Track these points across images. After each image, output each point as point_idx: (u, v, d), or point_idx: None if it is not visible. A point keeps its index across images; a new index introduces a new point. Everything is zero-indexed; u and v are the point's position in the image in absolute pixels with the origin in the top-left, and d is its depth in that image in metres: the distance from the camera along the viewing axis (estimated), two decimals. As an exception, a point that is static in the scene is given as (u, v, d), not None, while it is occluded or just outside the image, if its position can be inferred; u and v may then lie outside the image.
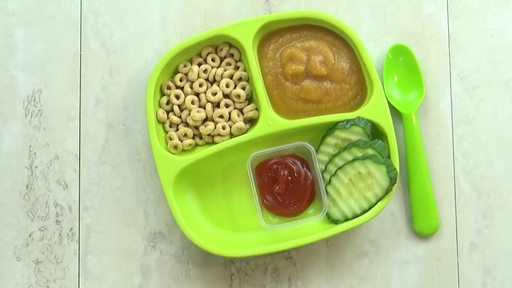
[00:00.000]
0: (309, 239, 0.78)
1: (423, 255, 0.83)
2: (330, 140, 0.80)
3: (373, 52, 0.84)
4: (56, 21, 0.85)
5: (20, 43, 0.85)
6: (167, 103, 0.83)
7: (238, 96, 0.82)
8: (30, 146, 0.84)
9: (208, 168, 0.81)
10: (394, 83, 0.84)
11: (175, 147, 0.81)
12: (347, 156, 0.79)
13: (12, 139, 0.84)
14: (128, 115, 0.84)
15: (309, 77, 0.82)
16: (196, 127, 0.82)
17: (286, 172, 0.80)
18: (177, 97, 0.82)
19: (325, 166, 0.81)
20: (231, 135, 0.82)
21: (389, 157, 0.79)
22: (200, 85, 0.82)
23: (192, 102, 0.82)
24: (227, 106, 0.82)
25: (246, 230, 0.82)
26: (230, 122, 0.82)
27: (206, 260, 0.83)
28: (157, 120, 0.82)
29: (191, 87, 0.82)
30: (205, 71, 0.83)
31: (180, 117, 0.82)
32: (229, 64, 0.83)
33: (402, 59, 0.84)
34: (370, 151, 0.78)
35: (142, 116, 0.84)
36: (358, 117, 0.80)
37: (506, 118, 0.85)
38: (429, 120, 0.85)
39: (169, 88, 0.83)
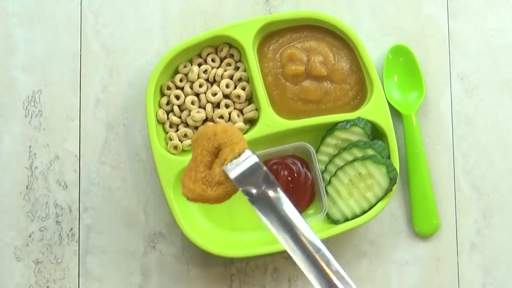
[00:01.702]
0: (309, 239, 0.78)
1: (423, 255, 0.83)
2: (330, 140, 0.80)
3: (373, 52, 0.84)
4: (56, 21, 0.85)
5: (20, 43, 0.85)
6: (167, 103, 0.83)
7: (238, 96, 0.82)
8: (30, 146, 0.84)
9: (208, 168, 0.81)
10: (394, 83, 0.84)
11: (175, 147, 0.81)
12: (347, 156, 0.79)
13: (12, 140, 0.84)
14: (128, 116, 0.84)
15: (309, 78, 0.82)
16: (196, 128, 0.82)
17: (286, 173, 0.80)
18: (177, 97, 0.82)
19: (325, 167, 0.81)
20: (231, 136, 0.82)
21: (389, 157, 0.79)
22: (200, 86, 0.82)
23: (192, 103, 0.82)
24: (227, 106, 0.82)
25: (246, 230, 0.82)
26: (230, 123, 0.82)
27: (206, 260, 0.83)
28: (157, 120, 0.82)
29: (191, 88, 0.82)
30: (205, 71, 0.82)
31: (180, 117, 0.82)
32: (229, 64, 0.83)
33: (402, 59, 0.84)
34: (370, 152, 0.78)
35: (142, 116, 0.84)
36: (358, 118, 0.80)
37: (506, 118, 0.85)
38: (429, 121, 0.85)
39: (169, 88, 0.83)
